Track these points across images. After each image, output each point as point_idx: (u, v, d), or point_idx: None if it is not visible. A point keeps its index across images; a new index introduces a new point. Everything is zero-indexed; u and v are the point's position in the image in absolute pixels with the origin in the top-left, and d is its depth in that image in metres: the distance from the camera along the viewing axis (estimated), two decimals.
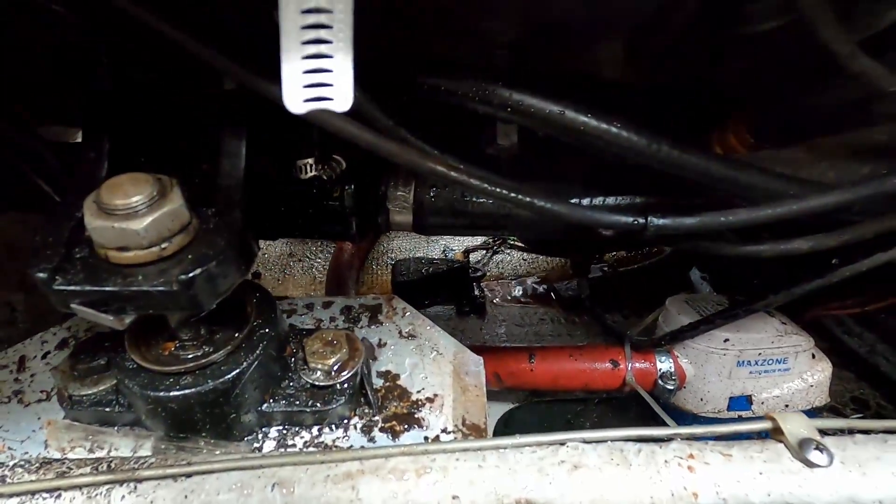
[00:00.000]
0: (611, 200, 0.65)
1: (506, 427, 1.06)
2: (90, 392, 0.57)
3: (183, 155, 0.60)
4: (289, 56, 0.28)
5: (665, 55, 0.63)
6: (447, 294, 1.39)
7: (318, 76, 0.29)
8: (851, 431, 0.52)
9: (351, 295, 1.34)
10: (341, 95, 0.29)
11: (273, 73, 0.33)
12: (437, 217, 0.72)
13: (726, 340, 0.89)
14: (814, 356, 0.91)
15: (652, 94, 0.67)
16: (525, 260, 1.58)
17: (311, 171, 0.65)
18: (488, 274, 1.53)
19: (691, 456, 0.49)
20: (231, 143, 0.56)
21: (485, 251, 1.61)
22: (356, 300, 0.75)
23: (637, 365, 0.94)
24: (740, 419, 0.92)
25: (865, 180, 0.47)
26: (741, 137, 0.65)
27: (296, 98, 0.30)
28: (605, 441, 0.50)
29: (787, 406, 0.91)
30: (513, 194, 0.48)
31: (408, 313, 0.73)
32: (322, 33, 0.27)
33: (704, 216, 0.50)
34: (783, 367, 0.90)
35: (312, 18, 0.27)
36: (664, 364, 0.93)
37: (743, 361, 0.89)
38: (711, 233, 0.52)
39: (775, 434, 0.51)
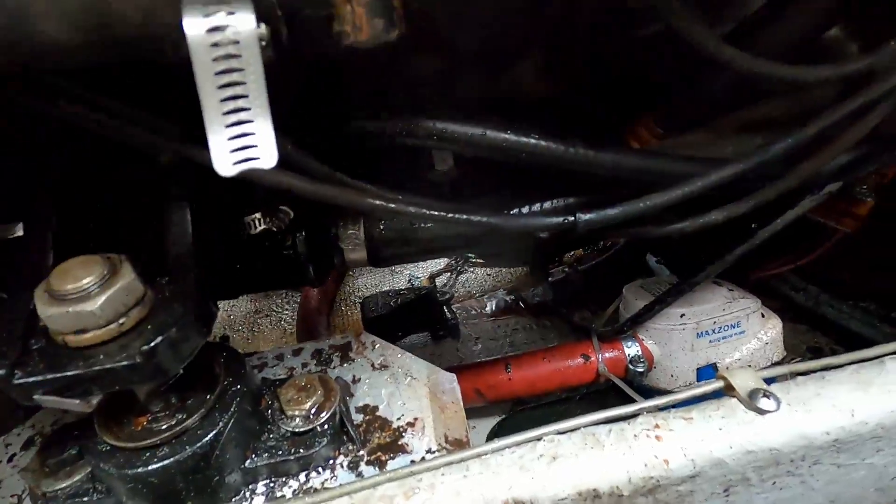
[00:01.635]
0: (547, 205, 0.70)
1: None
2: (64, 485, 0.55)
3: (129, 229, 0.61)
4: (213, 127, 0.31)
5: (571, 66, 0.70)
6: (420, 322, 1.40)
7: (242, 140, 0.32)
8: (794, 375, 0.57)
9: (321, 339, 1.34)
10: (266, 153, 0.32)
11: (204, 140, 0.36)
12: (390, 248, 0.75)
13: (682, 315, 0.94)
14: (763, 315, 0.98)
15: (567, 103, 0.73)
16: (489, 275, 1.62)
17: (260, 226, 0.67)
18: (456, 295, 1.56)
19: (657, 426, 0.52)
20: (175, 212, 0.58)
21: (449, 273, 1.64)
22: (325, 342, 0.77)
23: (607, 355, 0.98)
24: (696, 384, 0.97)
25: (753, 151, 0.53)
26: (651, 129, 0.72)
27: (225, 162, 0.32)
28: (578, 429, 0.53)
29: (749, 366, 0.96)
30: (450, 215, 0.52)
31: (377, 345, 0.74)
32: (240, 102, 0.31)
33: (626, 205, 0.55)
34: (738, 330, 0.96)
35: (230, 91, 0.30)
36: (631, 349, 0.97)
37: (701, 332, 0.95)
38: (637, 219, 0.57)
39: (728, 391, 0.55)
